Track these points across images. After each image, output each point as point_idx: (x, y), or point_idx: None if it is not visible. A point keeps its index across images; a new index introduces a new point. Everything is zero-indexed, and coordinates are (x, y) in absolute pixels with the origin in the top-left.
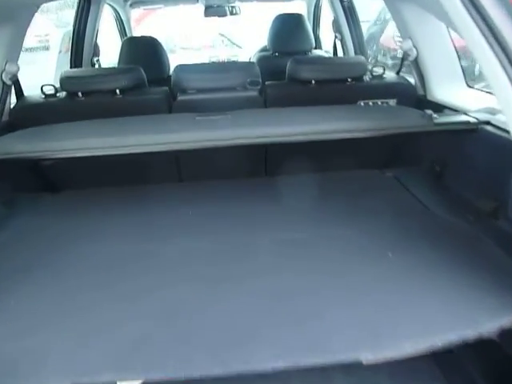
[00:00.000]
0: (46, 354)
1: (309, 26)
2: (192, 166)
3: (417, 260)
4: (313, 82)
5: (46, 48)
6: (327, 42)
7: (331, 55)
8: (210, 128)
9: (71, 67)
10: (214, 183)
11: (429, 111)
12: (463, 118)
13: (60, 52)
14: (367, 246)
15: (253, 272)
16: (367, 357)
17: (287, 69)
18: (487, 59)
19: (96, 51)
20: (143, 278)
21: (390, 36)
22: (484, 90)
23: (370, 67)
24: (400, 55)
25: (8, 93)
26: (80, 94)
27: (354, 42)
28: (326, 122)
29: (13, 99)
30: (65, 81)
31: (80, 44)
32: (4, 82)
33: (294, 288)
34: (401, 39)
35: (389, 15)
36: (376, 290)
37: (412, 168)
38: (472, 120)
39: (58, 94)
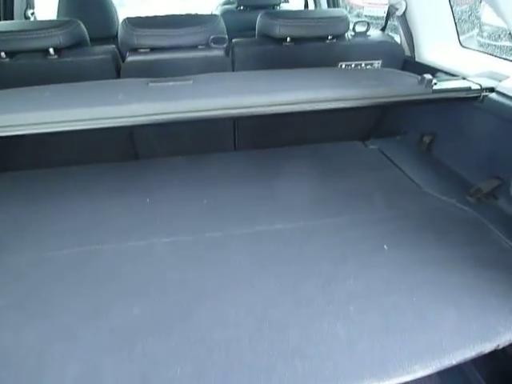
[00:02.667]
0: None
1: None
2: (148, 142)
3: (416, 255)
4: (288, 39)
5: None
6: None
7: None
8: (167, 97)
9: None
10: (173, 160)
11: (428, 76)
12: (463, 83)
13: None
14: (358, 238)
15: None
16: None
17: (257, 24)
18: None
19: (30, 2)
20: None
21: None
22: (481, 50)
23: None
24: (369, 13)
25: None
26: (3, 53)
27: None
28: (308, 90)
29: None
30: None
31: None
32: None
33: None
34: None
35: None
36: (376, 301)
37: (395, 139)
38: (474, 86)
39: None
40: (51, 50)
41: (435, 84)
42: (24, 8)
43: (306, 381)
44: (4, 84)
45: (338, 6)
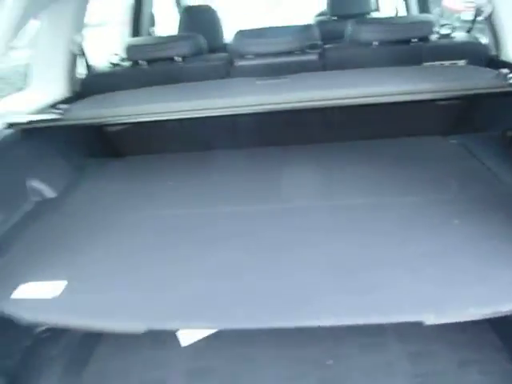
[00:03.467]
0: (123, 305)
1: None
2: (252, 131)
3: (483, 229)
4: (374, 43)
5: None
6: (388, 5)
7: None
8: (270, 92)
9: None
10: (273, 149)
11: (504, 70)
12: None
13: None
14: (431, 214)
15: (308, 238)
16: (429, 318)
17: (347, 31)
18: None
19: (152, 21)
20: (201, 240)
21: None
22: None
23: (437, 29)
24: (466, 18)
25: (75, 62)
26: (144, 62)
27: (418, 3)
28: (387, 84)
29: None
30: (130, 50)
31: (138, 15)
32: (72, 52)
33: (355, 255)
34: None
35: None
36: (441, 256)
37: (480, 134)
38: None
39: (123, 63)
40: (179, 58)
41: (511, 78)
42: (148, 26)
43: (369, 312)
44: (145, 84)
45: (428, 12)
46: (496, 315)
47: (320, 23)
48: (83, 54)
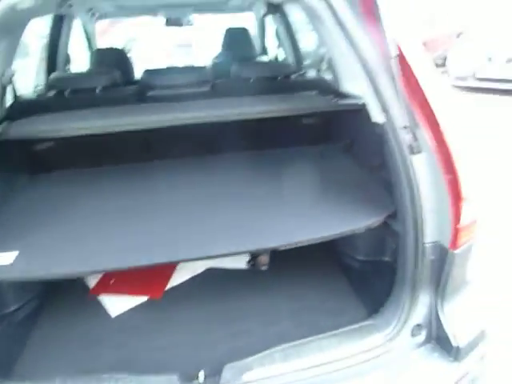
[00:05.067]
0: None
1: (251, 39)
2: (160, 143)
3: (319, 189)
4: (251, 80)
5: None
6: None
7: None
8: (172, 111)
9: (47, 73)
10: (182, 160)
11: (331, 96)
12: (356, 101)
13: (40, 60)
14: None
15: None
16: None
17: (232, 71)
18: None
19: (68, 60)
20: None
21: None
22: None
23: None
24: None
25: (4, 94)
26: (66, 91)
27: (292, 49)
28: (260, 106)
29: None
30: (54, 81)
31: (54, 53)
32: (3, 85)
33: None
34: None
35: None
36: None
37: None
38: (360, 102)
39: (48, 93)
40: (98, 89)
41: (336, 101)
42: (63, 63)
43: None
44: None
45: (300, 58)
46: (330, 238)
47: (215, 64)
48: (11, 83)
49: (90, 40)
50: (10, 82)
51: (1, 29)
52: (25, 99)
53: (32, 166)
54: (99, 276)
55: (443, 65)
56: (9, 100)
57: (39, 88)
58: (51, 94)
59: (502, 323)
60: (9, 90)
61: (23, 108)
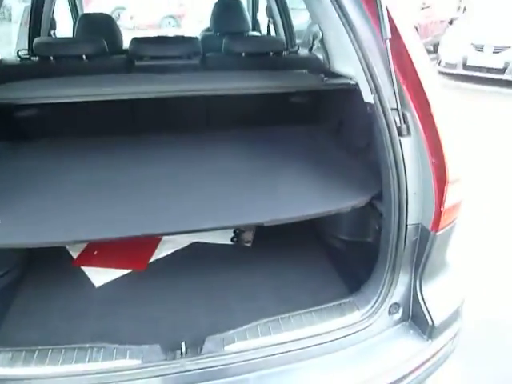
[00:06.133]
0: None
1: (245, 11)
2: (146, 115)
3: (305, 167)
4: (243, 54)
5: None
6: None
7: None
8: (160, 83)
9: (29, 38)
10: (168, 134)
11: (321, 75)
12: (347, 81)
13: (21, 24)
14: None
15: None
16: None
17: (223, 44)
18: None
19: (53, 25)
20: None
21: None
22: None
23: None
24: None
25: None
26: (52, 58)
27: (283, 25)
28: (250, 81)
29: None
30: (39, 46)
31: (38, 17)
32: None
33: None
34: None
35: None
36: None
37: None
38: (352, 82)
39: (32, 58)
40: (84, 57)
41: (326, 80)
42: (48, 29)
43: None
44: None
45: (292, 34)
46: (315, 217)
47: (205, 37)
48: None
49: (75, 4)
50: None
51: None
52: (6, 64)
53: (14, 133)
54: (83, 246)
55: (435, 51)
56: None
57: (22, 53)
58: (35, 59)
59: (478, 304)
60: None
61: (5, 73)
